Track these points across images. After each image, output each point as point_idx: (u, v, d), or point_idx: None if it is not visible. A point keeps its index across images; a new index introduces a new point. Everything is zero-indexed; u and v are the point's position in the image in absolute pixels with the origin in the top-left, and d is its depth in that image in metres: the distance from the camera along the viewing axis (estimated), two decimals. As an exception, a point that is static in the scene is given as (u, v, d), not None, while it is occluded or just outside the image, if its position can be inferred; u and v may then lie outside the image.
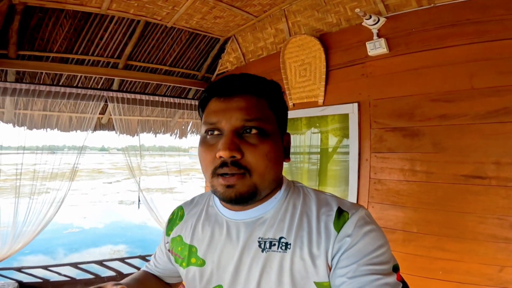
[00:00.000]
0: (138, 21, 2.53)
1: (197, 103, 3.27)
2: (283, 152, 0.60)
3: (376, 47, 1.71)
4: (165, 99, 3.20)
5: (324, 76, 2.04)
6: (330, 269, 0.52)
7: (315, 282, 0.52)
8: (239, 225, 0.59)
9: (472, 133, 1.40)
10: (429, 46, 1.55)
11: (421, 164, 1.57)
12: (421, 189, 1.57)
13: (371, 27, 1.75)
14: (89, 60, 2.71)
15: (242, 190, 0.53)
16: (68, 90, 2.69)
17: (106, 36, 2.58)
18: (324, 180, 2.24)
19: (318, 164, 2.31)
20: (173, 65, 3.11)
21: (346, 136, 1.95)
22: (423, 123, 1.56)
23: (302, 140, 2.38)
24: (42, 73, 2.66)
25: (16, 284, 2.66)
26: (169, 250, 0.69)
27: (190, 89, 3.38)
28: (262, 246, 0.56)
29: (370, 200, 1.78)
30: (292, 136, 2.29)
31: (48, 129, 3.04)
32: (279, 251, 0.54)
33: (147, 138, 3.35)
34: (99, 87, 2.97)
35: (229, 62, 3.06)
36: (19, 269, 2.79)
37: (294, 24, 2.27)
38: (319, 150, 2.30)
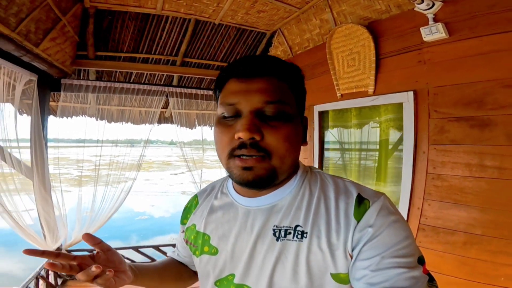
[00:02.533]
0: (189, 20, 2.65)
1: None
2: (302, 136, 0.57)
3: (433, 32, 1.49)
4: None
5: (374, 65, 1.86)
6: (351, 258, 0.48)
7: (331, 274, 0.48)
8: (253, 212, 0.56)
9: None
10: (499, 29, 1.30)
11: (493, 158, 1.33)
12: (492, 187, 1.33)
13: (425, 12, 1.54)
14: (152, 58, 2.94)
15: (260, 173, 0.49)
16: (137, 86, 2.97)
17: (164, 35, 2.76)
18: (381, 175, 2.06)
19: (375, 158, 2.14)
20: (224, 61, 3.18)
21: (401, 127, 1.76)
22: (495, 112, 1.32)
23: (352, 132, 2.23)
24: (116, 71, 2.97)
25: (89, 265, 3.01)
26: (184, 240, 0.67)
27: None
28: (277, 234, 0.52)
29: (426, 197, 1.59)
30: (339, 129, 2.15)
31: (123, 122, 3.41)
32: (295, 240, 0.50)
33: (207, 132, 3.52)
34: (161, 83, 3.21)
35: (276, 56, 3.00)
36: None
37: (339, 13, 2.11)
38: (371, 141, 2.13)
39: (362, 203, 0.50)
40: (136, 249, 3.19)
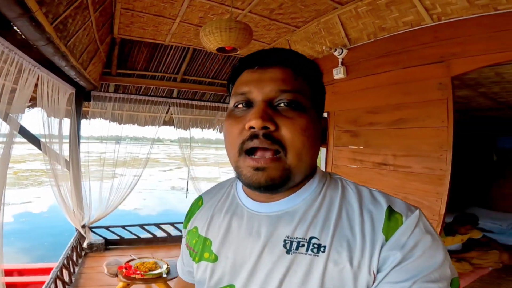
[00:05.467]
0: (189, 48, 3.80)
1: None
2: (321, 134, 0.54)
3: (338, 73, 2.59)
4: (209, 104, 4.46)
5: (311, 92, 2.97)
6: (374, 278, 0.45)
7: None
8: (261, 219, 0.53)
9: (384, 135, 2.22)
10: (369, 72, 2.38)
11: (359, 155, 2.42)
12: (357, 172, 2.42)
13: (338, 57, 2.62)
14: (158, 75, 4.09)
15: (274, 174, 0.47)
16: (145, 97, 4.13)
17: (168, 58, 3.91)
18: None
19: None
20: (215, 78, 4.34)
21: (322, 135, 2.87)
22: (361, 128, 2.41)
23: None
24: (129, 85, 4.13)
25: (103, 240, 3.98)
26: (186, 244, 0.66)
27: (227, 95, 4.56)
28: (288, 246, 0.49)
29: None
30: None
31: (131, 124, 4.56)
32: (309, 254, 0.47)
33: (196, 132, 4.65)
34: (164, 95, 4.37)
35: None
36: (107, 227, 4.16)
37: (295, 50, 3.22)
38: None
39: (393, 217, 0.47)
40: (142, 226, 4.28)
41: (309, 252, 0.48)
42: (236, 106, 0.53)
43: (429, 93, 1.93)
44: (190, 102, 4.42)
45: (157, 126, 4.44)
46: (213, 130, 4.80)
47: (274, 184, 0.48)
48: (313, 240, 0.48)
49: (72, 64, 2.52)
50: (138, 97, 4.09)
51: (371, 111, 2.34)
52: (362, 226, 0.47)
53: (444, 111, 1.83)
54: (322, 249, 0.47)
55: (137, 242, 4.26)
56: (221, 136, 5.33)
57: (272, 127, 0.47)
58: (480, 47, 1.68)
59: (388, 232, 0.46)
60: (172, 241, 4.38)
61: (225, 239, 0.56)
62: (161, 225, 4.49)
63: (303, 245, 0.48)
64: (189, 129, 4.63)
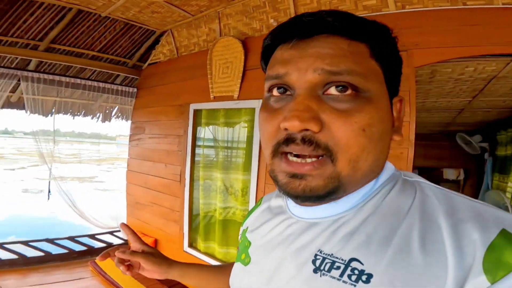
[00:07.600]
0: (70, 9, 2.73)
1: (125, 89, 3.51)
2: (392, 125, 0.42)
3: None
4: (89, 83, 3.35)
5: (241, 75, 2.51)
6: None
7: None
8: (300, 225, 0.44)
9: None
10: None
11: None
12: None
13: None
14: (7, 40, 2.79)
15: (315, 184, 0.37)
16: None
17: (31, 20, 2.72)
18: (244, 167, 2.65)
19: (235, 152, 2.75)
20: (103, 52, 3.31)
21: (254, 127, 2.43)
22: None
23: (220, 130, 2.81)
24: None
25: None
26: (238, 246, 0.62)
27: (118, 75, 3.60)
28: (318, 264, 0.39)
29: (266, 182, 2.26)
30: (213, 127, 2.70)
31: None
32: (343, 281, 0.36)
33: (64, 122, 3.42)
34: (14, 66, 3.02)
35: (162, 54, 3.39)
36: None
37: (225, 26, 2.73)
38: (237, 138, 2.75)
39: (509, 246, 0.31)
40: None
41: (345, 278, 0.36)
42: (270, 92, 0.42)
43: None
44: (58, 78, 3.20)
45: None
46: (92, 118, 3.64)
47: (314, 195, 0.38)
48: (354, 263, 0.36)
49: None
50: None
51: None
52: (447, 255, 0.32)
53: (406, 104, 1.72)
54: (364, 277, 0.35)
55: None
56: (100, 129, 4.19)
57: (315, 128, 0.36)
58: (445, 40, 1.66)
59: (497, 270, 0.30)
60: (26, 263, 2.98)
61: (262, 243, 0.51)
62: (5, 245, 3.10)
63: (337, 267, 0.37)
64: (52, 116, 3.36)
